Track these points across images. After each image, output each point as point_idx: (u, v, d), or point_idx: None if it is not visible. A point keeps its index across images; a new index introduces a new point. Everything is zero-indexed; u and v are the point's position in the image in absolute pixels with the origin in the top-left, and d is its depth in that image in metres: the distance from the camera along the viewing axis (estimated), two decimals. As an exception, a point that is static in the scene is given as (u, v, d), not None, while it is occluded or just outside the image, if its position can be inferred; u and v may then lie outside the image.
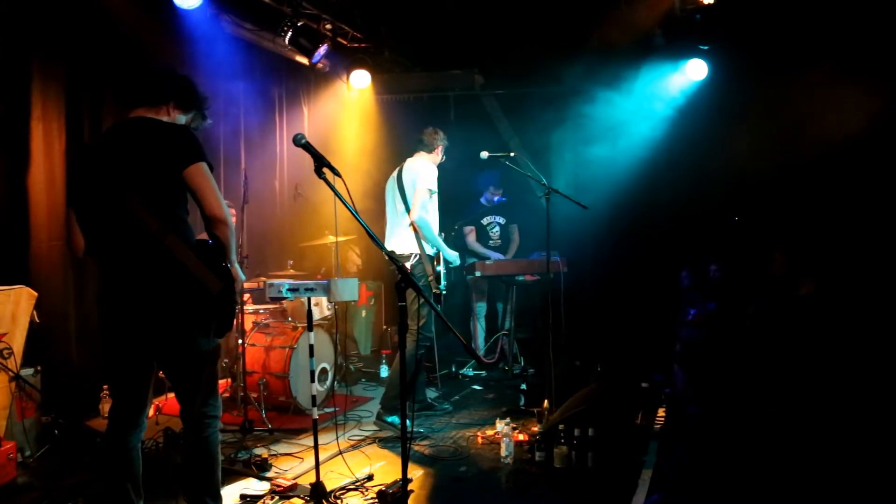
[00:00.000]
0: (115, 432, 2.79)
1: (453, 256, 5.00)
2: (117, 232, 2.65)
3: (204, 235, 2.77)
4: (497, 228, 6.94)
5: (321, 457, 3.53)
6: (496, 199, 6.84)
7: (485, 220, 6.93)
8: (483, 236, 6.90)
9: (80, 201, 2.77)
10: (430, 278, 4.76)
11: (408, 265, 4.71)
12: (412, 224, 4.71)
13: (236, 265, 2.81)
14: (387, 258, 2.87)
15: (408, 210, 4.75)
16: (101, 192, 2.64)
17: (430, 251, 4.81)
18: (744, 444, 4.12)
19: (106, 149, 2.71)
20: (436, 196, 4.88)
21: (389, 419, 4.63)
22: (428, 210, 4.76)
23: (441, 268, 4.94)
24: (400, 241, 4.80)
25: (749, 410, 4.48)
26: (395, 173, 5.00)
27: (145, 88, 2.82)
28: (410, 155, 5.01)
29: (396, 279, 2.68)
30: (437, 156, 5.02)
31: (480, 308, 6.91)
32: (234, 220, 5.52)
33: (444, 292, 4.95)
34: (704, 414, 4.61)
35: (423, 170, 4.81)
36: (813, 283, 5.59)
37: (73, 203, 2.83)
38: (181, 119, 2.88)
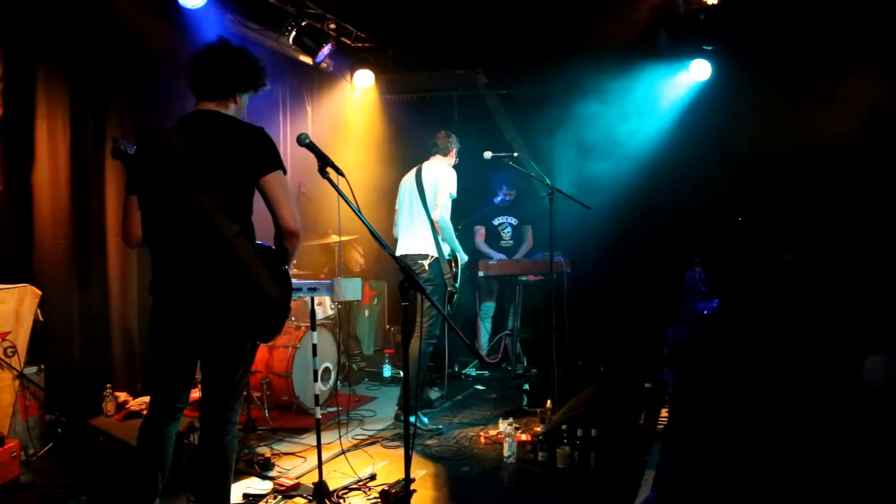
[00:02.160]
0: (154, 422, 2.78)
1: (465, 258, 5.09)
2: (186, 227, 2.62)
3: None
4: (509, 229, 6.93)
5: (324, 456, 3.54)
6: (505, 198, 6.84)
7: (496, 221, 6.92)
8: (494, 236, 6.89)
9: (145, 190, 2.74)
10: (448, 276, 4.83)
11: (425, 265, 4.77)
12: (434, 223, 4.78)
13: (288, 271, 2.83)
14: (392, 258, 2.86)
15: (426, 210, 4.82)
16: (172, 184, 2.62)
17: (446, 253, 4.88)
18: (739, 443, 4.12)
19: (181, 141, 2.66)
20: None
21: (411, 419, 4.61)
22: (449, 211, 4.84)
23: (458, 268, 5.01)
24: (416, 242, 4.85)
25: (744, 409, 4.48)
26: (412, 174, 5.02)
27: (213, 83, 2.77)
28: (416, 155, 5.05)
29: (400, 279, 2.68)
30: (452, 158, 5.08)
31: (487, 308, 6.91)
32: None
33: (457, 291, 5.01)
34: (698, 413, 4.62)
35: (446, 174, 4.86)
36: (793, 258, 5.61)
37: (136, 191, 2.77)
38: (246, 98, 2.89)
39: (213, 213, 2.58)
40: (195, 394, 3.13)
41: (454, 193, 4.84)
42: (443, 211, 4.76)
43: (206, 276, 2.63)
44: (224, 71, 2.78)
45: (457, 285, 4.98)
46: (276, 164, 2.68)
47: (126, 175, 2.83)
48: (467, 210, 6.84)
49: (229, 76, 2.79)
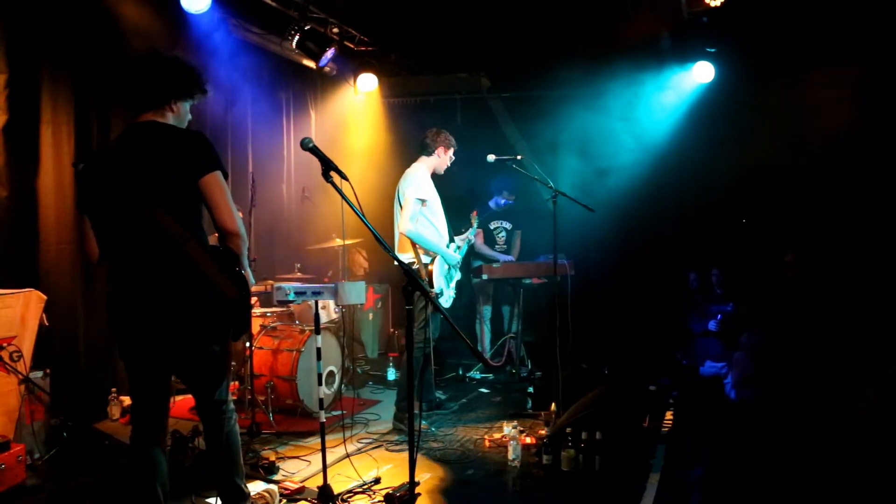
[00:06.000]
0: (140, 441, 2.78)
1: (454, 259, 4.98)
2: (137, 239, 2.63)
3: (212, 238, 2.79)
4: (504, 233, 6.95)
5: (328, 460, 3.54)
6: (503, 202, 6.85)
7: (492, 225, 6.94)
8: (489, 240, 6.90)
9: (94, 208, 2.76)
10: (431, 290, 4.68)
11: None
12: (403, 236, 4.72)
13: (248, 269, 2.83)
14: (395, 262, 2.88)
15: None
16: (117, 198, 2.63)
17: (426, 260, 4.79)
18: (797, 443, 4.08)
19: (120, 155, 2.70)
20: (434, 202, 4.86)
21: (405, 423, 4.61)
22: (418, 220, 4.72)
23: (437, 272, 4.82)
24: (401, 252, 4.78)
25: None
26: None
27: (146, 94, 2.77)
28: (416, 160, 5.00)
29: (403, 282, 2.69)
30: (439, 157, 4.97)
31: (486, 311, 6.92)
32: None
33: (440, 293, 4.84)
34: (759, 406, 4.55)
35: (412, 179, 4.79)
36: (794, 259, 5.59)
37: (86, 210, 2.81)
38: (186, 106, 2.85)
39: (162, 220, 2.58)
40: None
41: (423, 197, 4.74)
42: (407, 223, 4.66)
43: (163, 285, 2.63)
44: (156, 79, 2.77)
45: (439, 289, 4.79)
46: (213, 165, 2.67)
47: (76, 195, 2.82)
48: (466, 215, 6.85)
49: (162, 84, 2.77)
